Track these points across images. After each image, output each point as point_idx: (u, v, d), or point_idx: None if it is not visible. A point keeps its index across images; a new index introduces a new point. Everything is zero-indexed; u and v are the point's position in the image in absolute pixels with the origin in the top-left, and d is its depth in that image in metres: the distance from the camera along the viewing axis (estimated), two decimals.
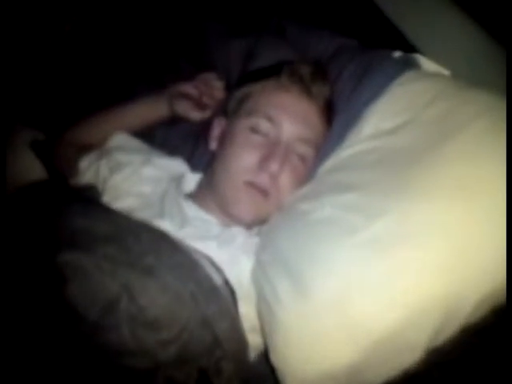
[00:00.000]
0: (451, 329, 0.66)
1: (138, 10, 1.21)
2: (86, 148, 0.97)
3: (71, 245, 0.65)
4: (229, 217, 0.83)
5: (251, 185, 0.81)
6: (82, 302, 0.61)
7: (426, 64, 0.90)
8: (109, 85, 1.15)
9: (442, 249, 0.65)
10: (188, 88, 0.99)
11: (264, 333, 0.74)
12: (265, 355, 0.76)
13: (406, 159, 0.74)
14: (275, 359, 0.70)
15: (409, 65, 0.89)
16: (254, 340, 0.76)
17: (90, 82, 1.17)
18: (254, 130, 0.84)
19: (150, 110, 1.01)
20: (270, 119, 0.84)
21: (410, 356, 0.66)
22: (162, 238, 0.71)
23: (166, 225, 0.78)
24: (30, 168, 0.99)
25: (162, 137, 1.04)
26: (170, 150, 1.01)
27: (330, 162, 0.82)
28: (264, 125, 0.83)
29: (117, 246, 0.66)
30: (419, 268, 0.64)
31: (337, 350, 0.65)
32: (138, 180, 0.88)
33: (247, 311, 0.76)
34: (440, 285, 0.64)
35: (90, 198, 0.82)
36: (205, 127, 0.96)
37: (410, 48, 0.93)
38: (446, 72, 0.90)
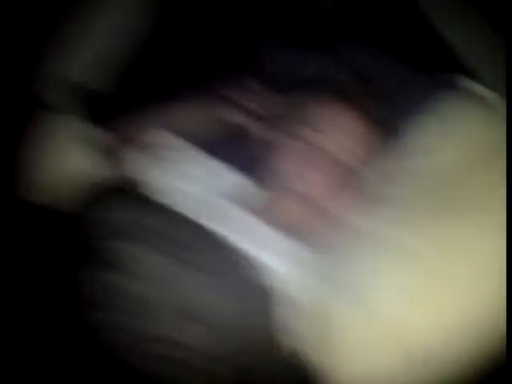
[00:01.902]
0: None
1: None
2: (132, 145, 0.97)
3: (120, 235, 0.69)
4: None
5: (293, 192, 0.83)
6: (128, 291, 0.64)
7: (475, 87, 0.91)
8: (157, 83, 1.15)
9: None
10: (233, 94, 1.00)
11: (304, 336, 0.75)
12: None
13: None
14: (324, 363, 0.71)
15: (455, 86, 0.90)
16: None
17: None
18: (300, 138, 0.85)
19: (197, 113, 1.01)
20: (317, 129, 0.85)
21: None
22: (207, 234, 0.74)
23: (210, 223, 0.79)
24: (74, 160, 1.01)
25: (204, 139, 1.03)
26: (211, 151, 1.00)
27: (375, 175, 0.84)
28: (311, 134, 0.85)
29: (163, 240, 0.69)
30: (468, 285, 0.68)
31: (387, 359, 0.69)
32: (181, 178, 0.89)
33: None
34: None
35: (133, 190, 0.84)
36: (246, 133, 0.97)
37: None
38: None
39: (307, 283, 0.77)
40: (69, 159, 0.99)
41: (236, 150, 1.00)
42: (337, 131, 0.85)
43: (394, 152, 0.85)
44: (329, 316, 0.72)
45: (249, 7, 1.18)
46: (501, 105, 0.78)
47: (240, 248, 0.76)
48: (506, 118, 0.73)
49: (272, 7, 1.16)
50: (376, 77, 0.98)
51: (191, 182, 0.89)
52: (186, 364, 0.64)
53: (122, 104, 1.12)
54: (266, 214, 0.85)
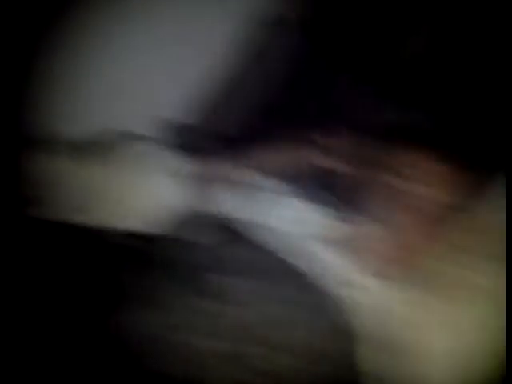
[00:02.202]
0: None
1: None
2: (222, 181, 1.04)
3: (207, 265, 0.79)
4: None
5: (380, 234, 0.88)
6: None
7: None
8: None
9: None
10: (323, 138, 1.01)
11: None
12: None
13: None
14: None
15: None
16: None
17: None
18: (388, 183, 0.89)
19: (287, 154, 1.05)
20: (405, 176, 0.89)
21: None
22: (294, 270, 0.81)
23: (297, 260, 0.84)
24: None
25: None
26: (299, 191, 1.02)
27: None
28: (399, 180, 0.89)
29: (250, 273, 0.78)
30: None
31: None
32: (270, 215, 0.93)
33: None
34: None
35: (221, 224, 0.92)
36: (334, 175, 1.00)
37: None
38: None
39: (391, 320, 0.81)
40: (160, 190, 1.10)
41: (324, 191, 1.01)
42: (425, 178, 0.89)
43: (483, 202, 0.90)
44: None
45: (338, 55, 1.14)
46: None
47: (325, 285, 0.81)
48: None
49: (357, 53, 1.13)
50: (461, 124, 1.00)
51: (280, 219, 0.93)
52: None
53: (215, 139, 1.18)
54: (352, 252, 0.88)
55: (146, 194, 1.16)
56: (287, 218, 0.93)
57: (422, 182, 0.90)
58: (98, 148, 1.24)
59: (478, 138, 0.97)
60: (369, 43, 1.28)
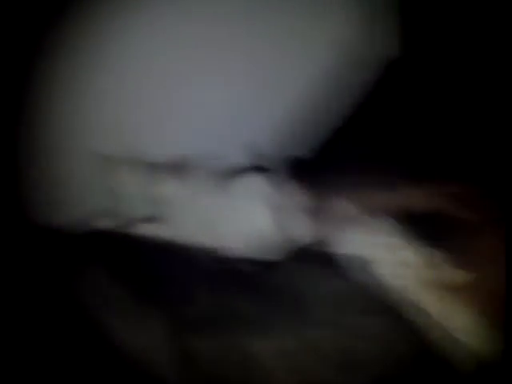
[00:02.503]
0: None
1: None
2: (349, 217, 1.08)
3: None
4: None
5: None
6: None
7: None
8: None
9: None
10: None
11: None
12: None
13: None
14: None
15: None
16: None
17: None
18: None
19: (422, 199, 1.07)
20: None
21: None
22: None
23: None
24: None
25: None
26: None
27: None
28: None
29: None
30: None
31: None
32: (400, 262, 0.93)
33: None
34: None
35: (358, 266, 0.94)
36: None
37: None
38: None
39: None
40: (258, 216, 1.19)
41: (434, 229, 1.01)
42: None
43: None
44: None
45: None
46: None
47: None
48: None
49: None
50: None
51: (386, 252, 0.95)
52: None
53: (324, 171, 1.27)
54: (459, 291, 0.86)
55: (247, 220, 1.23)
56: (393, 258, 0.94)
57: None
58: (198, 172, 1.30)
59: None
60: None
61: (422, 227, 0.99)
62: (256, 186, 1.28)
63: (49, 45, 1.23)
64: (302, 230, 1.20)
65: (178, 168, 1.33)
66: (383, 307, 0.82)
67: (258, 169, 1.31)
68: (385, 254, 0.93)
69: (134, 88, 1.37)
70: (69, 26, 1.24)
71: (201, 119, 1.48)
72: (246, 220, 1.23)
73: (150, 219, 1.42)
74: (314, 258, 1.03)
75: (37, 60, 1.24)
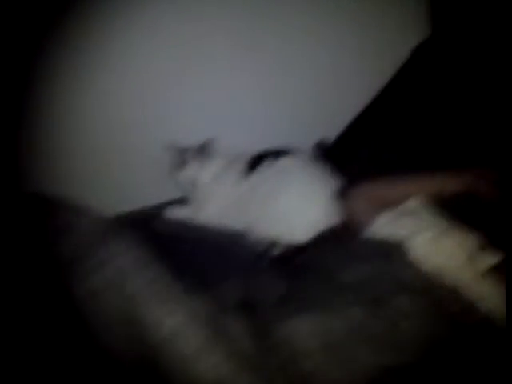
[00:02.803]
0: None
1: None
2: (380, 203, 1.08)
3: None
4: None
5: None
6: None
7: None
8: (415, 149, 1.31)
9: None
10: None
11: None
12: None
13: None
14: None
15: None
16: None
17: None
18: None
19: (450, 183, 1.06)
20: None
21: None
22: None
23: None
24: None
25: None
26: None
27: None
28: None
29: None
30: None
31: None
32: (437, 246, 0.92)
33: None
34: None
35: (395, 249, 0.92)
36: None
37: None
38: None
39: None
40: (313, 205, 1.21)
41: (466, 210, 1.03)
42: None
43: None
44: None
45: None
46: None
47: None
48: None
49: None
50: None
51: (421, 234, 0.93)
52: None
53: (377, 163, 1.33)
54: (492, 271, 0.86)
55: (281, 202, 1.23)
56: (427, 240, 0.93)
57: None
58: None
59: None
60: None
61: (455, 209, 1.00)
62: (289, 168, 1.29)
63: (50, 44, 1.26)
64: (335, 212, 1.21)
65: (207, 152, 1.36)
66: (420, 287, 0.82)
67: (287, 152, 1.32)
68: (419, 236, 0.93)
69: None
70: (71, 25, 1.27)
71: (231, 107, 1.52)
72: (279, 202, 1.23)
73: (181, 202, 1.45)
74: (346, 240, 1.05)
75: (39, 59, 1.26)
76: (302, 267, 1.01)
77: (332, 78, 1.61)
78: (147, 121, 1.44)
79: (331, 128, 1.58)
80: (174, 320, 0.68)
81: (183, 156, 1.38)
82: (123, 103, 1.41)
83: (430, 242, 0.92)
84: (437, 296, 0.80)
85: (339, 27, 1.56)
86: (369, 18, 1.57)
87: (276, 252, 1.17)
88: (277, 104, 1.58)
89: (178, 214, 1.41)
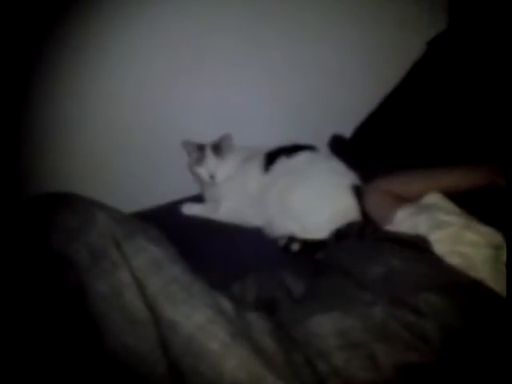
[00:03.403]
0: None
1: None
2: (398, 199, 1.08)
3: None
4: None
5: None
6: None
7: None
8: (432, 144, 1.31)
9: None
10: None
11: None
12: None
13: None
14: None
15: None
16: None
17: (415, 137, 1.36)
18: None
19: (468, 177, 1.06)
20: None
21: None
22: None
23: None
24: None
25: None
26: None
27: None
28: None
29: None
30: None
31: None
32: (459, 241, 0.91)
33: None
34: None
35: (417, 245, 0.90)
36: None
37: None
38: None
39: None
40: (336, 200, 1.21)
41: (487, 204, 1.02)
42: None
43: None
44: None
45: None
46: None
47: None
48: None
49: None
50: None
51: (469, 247, 0.90)
52: None
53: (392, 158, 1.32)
54: None
55: (301, 197, 1.22)
56: (468, 240, 0.90)
57: None
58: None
59: None
60: None
61: (472, 203, 0.98)
62: (307, 164, 1.28)
63: (51, 44, 1.25)
64: (354, 207, 1.20)
65: (224, 148, 1.35)
66: (443, 283, 0.79)
67: (304, 148, 1.31)
68: (440, 230, 0.92)
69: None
70: (73, 24, 1.26)
71: (238, 105, 1.51)
72: (297, 198, 1.22)
73: (196, 199, 1.45)
74: (366, 236, 1.03)
75: (38, 60, 1.26)
76: (322, 264, 1.00)
77: (341, 74, 1.60)
78: (154, 120, 1.44)
79: (340, 125, 1.58)
80: (199, 317, 0.68)
81: (201, 151, 1.37)
82: (125, 104, 1.41)
83: (452, 236, 0.90)
84: (462, 291, 0.78)
85: (349, 22, 1.55)
86: (381, 12, 1.55)
87: (295, 248, 1.16)
88: (283, 101, 1.57)
89: (194, 210, 1.40)
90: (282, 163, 1.29)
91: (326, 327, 0.74)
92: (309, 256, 1.13)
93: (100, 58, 1.33)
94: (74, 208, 0.74)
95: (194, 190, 1.49)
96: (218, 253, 1.17)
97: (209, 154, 1.36)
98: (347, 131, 1.60)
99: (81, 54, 1.30)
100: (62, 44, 1.27)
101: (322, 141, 1.53)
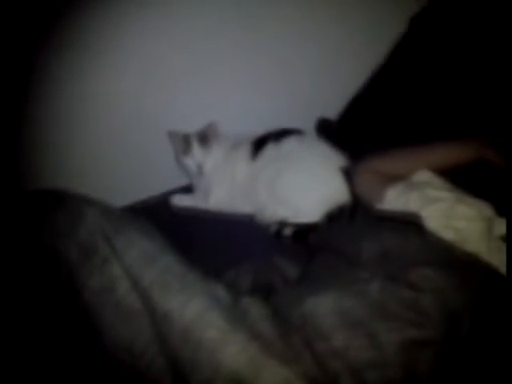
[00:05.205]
0: None
1: None
2: (387, 178, 1.07)
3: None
4: None
5: None
6: None
7: None
8: (418, 121, 1.31)
9: None
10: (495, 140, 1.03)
11: None
12: None
13: None
14: None
15: None
16: None
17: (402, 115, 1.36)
18: None
19: (456, 153, 1.05)
20: None
21: None
22: None
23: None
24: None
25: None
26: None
27: None
28: None
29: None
30: None
31: None
32: (452, 216, 0.91)
33: None
34: None
35: (410, 222, 0.90)
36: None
37: None
38: None
39: None
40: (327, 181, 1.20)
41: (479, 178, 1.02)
42: None
43: None
44: None
45: None
46: None
47: None
48: None
49: None
50: None
51: (462, 220, 0.90)
52: None
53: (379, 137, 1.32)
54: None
55: (292, 182, 1.22)
56: (461, 213, 0.90)
57: None
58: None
59: None
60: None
61: (463, 179, 0.98)
62: (295, 148, 1.26)
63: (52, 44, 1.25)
64: (344, 189, 1.19)
65: (211, 137, 1.33)
66: (439, 258, 0.79)
67: (292, 132, 1.30)
68: (433, 206, 0.92)
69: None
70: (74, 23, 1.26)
71: (228, 93, 1.50)
72: (287, 182, 1.21)
73: (185, 190, 1.44)
74: (358, 217, 1.04)
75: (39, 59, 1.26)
76: (316, 246, 1.00)
77: (327, 57, 1.59)
78: (146, 112, 1.43)
79: (327, 108, 1.57)
80: (195, 305, 0.67)
81: (187, 142, 1.36)
82: (123, 98, 1.40)
83: (444, 211, 0.91)
84: (458, 265, 0.78)
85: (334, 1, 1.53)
86: None
87: (287, 233, 1.16)
88: (273, 87, 1.56)
89: (184, 201, 1.39)
90: (270, 149, 1.28)
91: (323, 308, 0.73)
92: (301, 240, 1.12)
93: (100, 57, 1.33)
94: (64, 205, 0.73)
95: (184, 181, 1.48)
96: (209, 242, 1.17)
97: (195, 144, 1.35)
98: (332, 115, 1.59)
99: (81, 53, 1.30)
100: (62, 44, 1.27)
101: (308, 125, 1.52)
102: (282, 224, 1.17)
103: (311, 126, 1.54)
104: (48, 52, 1.26)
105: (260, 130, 1.35)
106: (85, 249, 0.69)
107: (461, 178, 1.00)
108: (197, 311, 0.67)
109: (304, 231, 1.14)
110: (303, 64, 1.57)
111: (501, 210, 0.89)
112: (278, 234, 1.17)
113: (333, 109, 1.59)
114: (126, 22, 1.33)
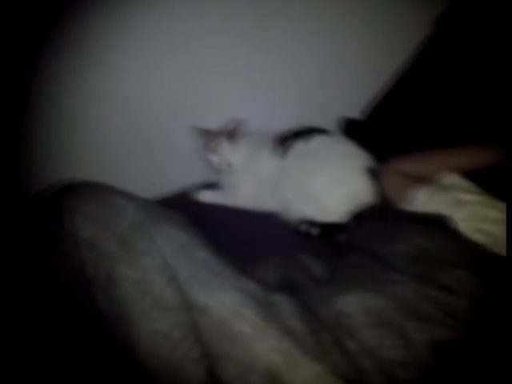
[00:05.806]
0: None
1: None
2: (414, 179, 1.07)
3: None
4: None
5: None
6: None
7: None
8: (445, 124, 1.30)
9: None
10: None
11: None
12: None
13: None
14: None
15: None
16: None
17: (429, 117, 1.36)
18: None
19: (483, 155, 1.05)
20: None
21: None
22: None
23: None
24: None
25: None
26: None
27: None
28: None
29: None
30: None
31: None
32: (484, 220, 0.91)
33: None
34: None
35: (442, 224, 0.91)
36: None
37: None
38: None
39: None
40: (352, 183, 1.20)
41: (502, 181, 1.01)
42: None
43: None
44: None
45: None
46: None
47: None
48: None
49: None
50: None
51: (494, 225, 0.90)
52: None
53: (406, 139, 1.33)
54: None
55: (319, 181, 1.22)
56: (491, 217, 0.91)
57: None
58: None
59: None
60: None
61: (488, 182, 0.98)
62: (322, 147, 1.27)
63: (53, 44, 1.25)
64: (372, 189, 1.19)
65: (238, 134, 1.34)
66: (469, 260, 0.79)
67: (319, 131, 1.30)
68: (462, 209, 0.92)
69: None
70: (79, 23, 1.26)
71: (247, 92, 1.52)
72: (314, 181, 1.22)
73: (210, 186, 1.45)
74: (387, 217, 1.04)
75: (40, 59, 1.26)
76: (345, 246, 1.01)
77: (348, 56, 1.58)
78: (169, 107, 1.44)
79: (349, 108, 1.57)
80: (232, 301, 0.69)
81: (213, 138, 1.37)
82: (140, 90, 1.41)
83: (475, 214, 0.91)
84: (491, 268, 0.78)
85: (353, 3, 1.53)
86: None
87: (315, 232, 1.17)
88: (283, 86, 1.56)
89: (211, 197, 1.40)
90: (299, 147, 1.28)
91: (354, 306, 0.74)
92: (328, 239, 1.13)
93: (104, 54, 1.34)
94: (102, 198, 0.75)
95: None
96: (232, 239, 1.16)
97: (223, 141, 1.36)
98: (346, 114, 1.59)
99: (83, 53, 1.31)
100: (65, 45, 1.27)
101: (328, 124, 1.50)
102: (310, 223, 1.18)
103: (321, 124, 1.48)
104: (50, 53, 1.26)
105: (268, 128, 1.36)
106: (124, 241, 0.71)
107: (484, 181, 1.01)
108: (233, 307, 0.68)
109: (331, 230, 1.14)
110: (313, 63, 1.56)
111: None
112: (307, 233, 1.17)
113: (347, 108, 1.58)
114: (133, 22, 1.33)
